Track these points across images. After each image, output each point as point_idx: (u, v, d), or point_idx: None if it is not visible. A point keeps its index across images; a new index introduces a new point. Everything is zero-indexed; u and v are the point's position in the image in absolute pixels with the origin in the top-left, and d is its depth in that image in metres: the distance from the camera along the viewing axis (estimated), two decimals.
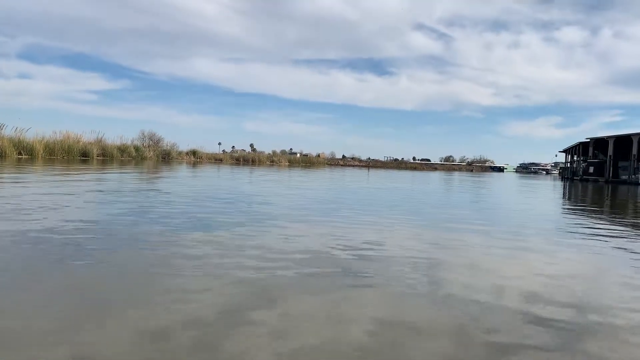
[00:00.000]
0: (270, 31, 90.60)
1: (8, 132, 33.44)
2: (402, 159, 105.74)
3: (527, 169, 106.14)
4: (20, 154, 32.53)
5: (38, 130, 37.17)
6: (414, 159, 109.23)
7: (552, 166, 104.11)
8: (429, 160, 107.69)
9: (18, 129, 34.11)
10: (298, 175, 27.38)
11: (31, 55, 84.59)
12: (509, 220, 9.22)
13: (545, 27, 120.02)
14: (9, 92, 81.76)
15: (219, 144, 73.43)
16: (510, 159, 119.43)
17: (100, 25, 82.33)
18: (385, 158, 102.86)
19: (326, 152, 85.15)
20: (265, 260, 4.53)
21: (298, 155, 75.22)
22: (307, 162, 69.80)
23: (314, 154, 78.62)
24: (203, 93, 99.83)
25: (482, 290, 3.84)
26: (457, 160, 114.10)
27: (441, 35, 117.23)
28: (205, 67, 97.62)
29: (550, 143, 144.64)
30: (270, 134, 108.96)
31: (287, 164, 62.05)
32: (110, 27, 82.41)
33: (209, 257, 4.52)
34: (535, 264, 5.16)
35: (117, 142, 44.94)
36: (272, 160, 63.76)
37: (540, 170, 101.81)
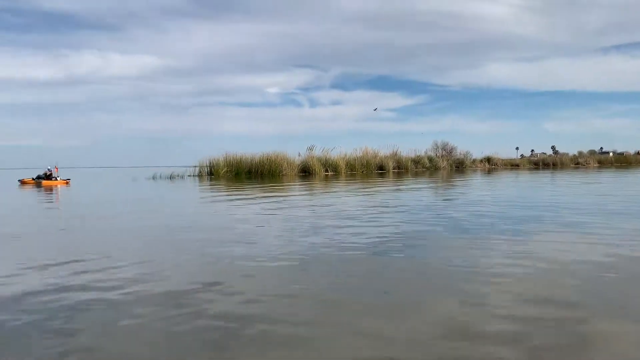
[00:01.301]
0: (570, 23, 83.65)
1: (317, 152, 38.87)
2: None
3: None
4: (326, 170, 37.41)
5: (341, 149, 42.13)
6: None
7: None
8: None
9: (324, 149, 39.34)
10: (612, 178, 24.27)
11: (341, 83, 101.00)
12: None
13: None
14: (324, 119, 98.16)
15: (517, 148, 70.62)
16: None
17: (396, 47, 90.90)
18: None
19: None
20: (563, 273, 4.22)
21: (610, 154, 66.53)
22: (623, 161, 61.08)
23: (632, 151, 68.34)
24: (498, 98, 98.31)
25: None
26: None
27: None
28: (499, 72, 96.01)
29: None
30: (574, 133, 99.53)
31: (596, 165, 55.60)
32: (405, 47, 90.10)
33: (504, 267, 4.45)
34: None
35: (411, 155, 47.54)
36: (578, 162, 58.00)
37: None
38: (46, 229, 8.02)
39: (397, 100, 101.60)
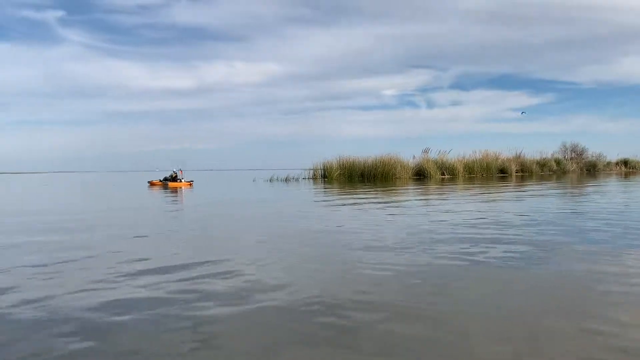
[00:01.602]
0: None
1: (432, 155, 37.98)
2: None
3: None
4: (443, 174, 36.44)
5: (459, 151, 40.94)
6: None
7: None
8: None
9: (440, 152, 38.35)
10: None
11: (461, 83, 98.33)
12: None
13: None
14: (442, 120, 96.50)
15: None
16: None
17: (521, 43, 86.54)
18: None
19: None
20: None
21: None
22: None
23: None
24: (637, 95, 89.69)
25: None
26: None
27: None
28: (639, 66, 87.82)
29: None
30: None
31: None
32: (531, 43, 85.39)
33: None
34: None
35: (536, 157, 45.05)
36: None
37: None
38: (170, 230, 8.49)
39: (521, 99, 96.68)
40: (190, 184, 28.05)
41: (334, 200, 15.59)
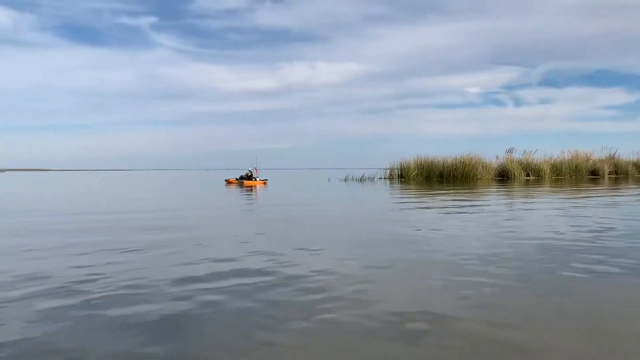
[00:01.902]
0: None
1: (517, 155, 36.38)
2: None
3: None
4: (527, 175, 34.82)
5: (546, 151, 39.05)
6: None
7: None
8: None
9: (526, 152, 36.67)
10: None
11: (551, 80, 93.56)
12: None
13: None
14: (530, 118, 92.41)
15: None
16: None
17: (619, 37, 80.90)
18: None
19: None
20: None
21: None
22: None
23: None
24: None
25: None
26: None
27: None
28: None
29: None
30: None
31: None
32: (630, 36, 79.53)
33: None
34: None
35: (633, 158, 42.14)
36: None
37: None
38: (244, 231, 8.49)
39: (618, 96, 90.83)
40: (265, 183, 28.50)
41: (412, 202, 15.16)
